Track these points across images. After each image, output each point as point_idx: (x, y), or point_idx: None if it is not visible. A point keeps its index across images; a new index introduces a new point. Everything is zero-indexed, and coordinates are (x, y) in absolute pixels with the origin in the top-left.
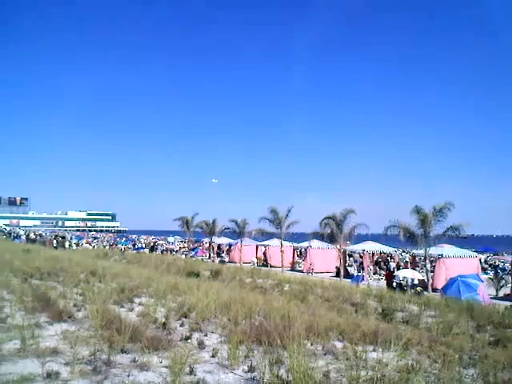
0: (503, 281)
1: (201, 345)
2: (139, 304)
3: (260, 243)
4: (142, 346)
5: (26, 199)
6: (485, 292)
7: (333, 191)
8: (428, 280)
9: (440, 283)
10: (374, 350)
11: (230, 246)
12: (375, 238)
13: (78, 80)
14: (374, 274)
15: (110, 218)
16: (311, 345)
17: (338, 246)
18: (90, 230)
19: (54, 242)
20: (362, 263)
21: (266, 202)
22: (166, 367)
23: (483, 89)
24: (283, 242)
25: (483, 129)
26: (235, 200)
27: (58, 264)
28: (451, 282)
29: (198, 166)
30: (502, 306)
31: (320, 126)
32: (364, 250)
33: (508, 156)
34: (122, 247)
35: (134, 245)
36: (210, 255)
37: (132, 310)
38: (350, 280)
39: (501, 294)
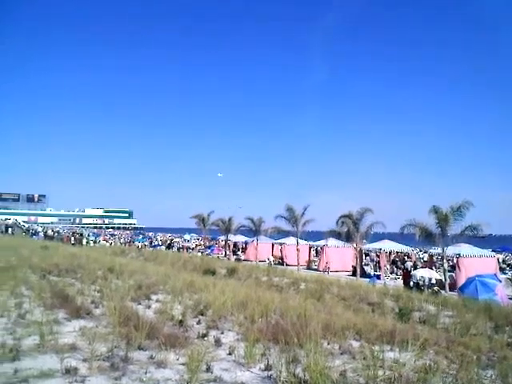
0: None
1: (217, 342)
2: (156, 301)
3: (276, 241)
4: (159, 343)
5: (44, 196)
6: (503, 292)
7: (348, 189)
8: (445, 280)
9: (458, 283)
10: (391, 350)
11: (246, 243)
12: (391, 237)
13: (91, 76)
14: (390, 273)
15: (127, 215)
16: (328, 344)
17: (355, 245)
18: (107, 227)
19: (72, 239)
20: (378, 262)
21: (282, 200)
22: (183, 364)
23: None
24: (299, 241)
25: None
26: (251, 197)
27: (76, 261)
28: (469, 281)
29: (214, 163)
30: None
31: (334, 123)
32: (381, 249)
33: None
34: (139, 244)
35: (150, 242)
36: (225, 253)
37: (149, 307)
38: (366, 279)
39: None
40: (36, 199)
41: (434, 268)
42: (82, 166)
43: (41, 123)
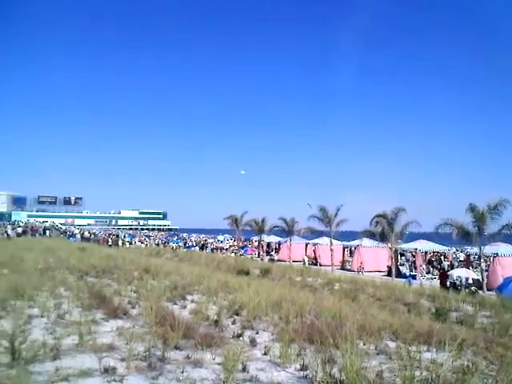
0: None
1: (253, 342)
2: (191, 301)
3: (309, 241)
4: (195, 343)
5: (81, 199)
6: None
7: (381, 189)
8: (483, 279)
9: (495, 282)
10: (428, 351)
11: (280, 244)
12: (427, 237)
13: (125, 76)
14: (426, 273)
15: (161, 216)
16: (364, 344)
17: (390, 245)
18: (143, 229)
19: (109, 240)
20: (414, 262)
21: (315, 200)
22: (219, 364)
23: None
24: (333, 241)
25: None
26: (283, 196)
27: (112, 262)
28: (507, 281)
29: (247, 163)
30: None
31: (366, 123)
32: (416, 249)
33: None
34: (174, 245)
35: (185, 243)
36: (259, 253)
37: (185, 307)
38: (402, 279)
39: None
40: (73, 202)
41: (471, 268)
42: (118, 169)
43: (77, 127)
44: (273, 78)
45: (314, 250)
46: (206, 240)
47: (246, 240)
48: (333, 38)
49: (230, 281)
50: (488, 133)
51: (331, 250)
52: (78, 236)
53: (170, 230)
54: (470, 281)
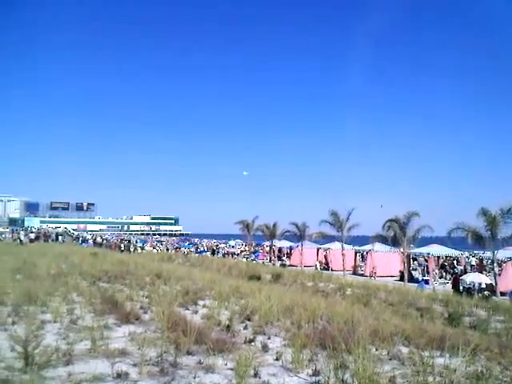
0: None
1: (265, 348)
2: (203, 306)
3: (321, 246)
4: (207, 348)
5: (93, 204)
6: None
7: (394, 193)
8: (496, 284)
9: (509, 287)
10: (441, 356)
11: (291, 249)
12: (439, 241)
13: (135, 82)
14: (439, 277)
15: (173, 222)
16: (376, 350)
17: (402, 250)
18: (154, 234)
19: (122, 246)
20: (426, 267)
21: (325, 203)
22: (231, 369)
23: None
24: (344, 245)
25: None
26: (295, 200)
27: (125, 267)
28: None
29: (258, 167)
30: None
31: (378, 126)
32: (429, 254)
33: None
34: (185, 251)
35: (196, 248)
36: (270, 258)
37: (196, 312)
38: (414, 284)
39: None
40: (85, 207)
41: (484, 272)
42: (130, 175)
43: (89, 133)
44: (283, 82)
45: (325, 255)
46: (217, 245)
47: (257, 245)
48: (344, 42)
49: (242, 286)
50: (503, 136)
51: (343, 254)
52: (91, 241)
53: (182, 235)
54: (483, 285)
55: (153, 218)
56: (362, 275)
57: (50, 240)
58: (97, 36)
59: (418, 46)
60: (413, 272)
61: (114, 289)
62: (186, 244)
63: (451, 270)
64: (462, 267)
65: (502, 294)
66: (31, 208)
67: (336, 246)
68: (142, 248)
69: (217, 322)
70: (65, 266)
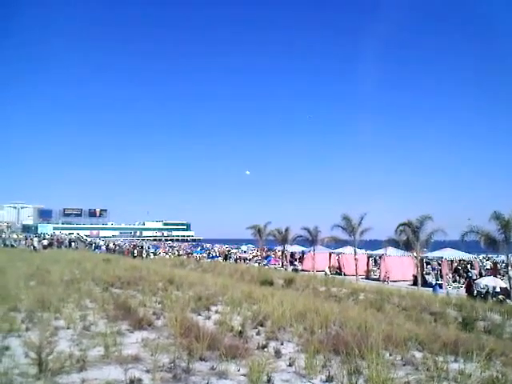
0: None
1: (277, 353)
2: (216, 312)
3: (333, 251)
4: (219, 354)
5: (106, 210)
6: None
7: (406, 196)
8: (511, 288)
9: None
10: (456, 361)
11: (303, 253)
12: (452, 245)
13: (145, 88)
14: (453, 282)
15: (185, 227)
16: (390, 355)
17: (415, 254)
18: (167, 240)
19: (135, 251)
20: (440, 271)
21: (337, 208)
22: (244, 375)
23: None
24: (357, 250)
25: None
26: (307, 205)
27: (137, 273)
28: None
29: (270, 172)
30: None
31: (388, 130)
32: (442, 258)
33: None
34: (197, 256)
35: (208, 254)
36: (282, 263)
37: (209, 318)
38: (428, 289)
39: None
40: (98, 214)
41: (498, 276)
42: (142, 181)
43: (101, 139)
44: (293, 85)
45: (337, 260)
46: (229, 250)
47: (269, 250)
48: (353, 46)
49: (254, 291)
50: None
51: (355, 259)
52: (103, 247)
53: (194, 240)
54: (498, 289)
55: (165, 224)
56: (375, 280)
57: (63, 246)
58: (103, 41)
59: (429, 51)
60: (426, 276)
61: (126, 295)
62: (198, 249)
63: (465, 274)
64: (476, 271)
65: None
66: (44, 215)
67: (348, 250)
68: (155, 254)
69: (229, 327)
70: (78, 272)
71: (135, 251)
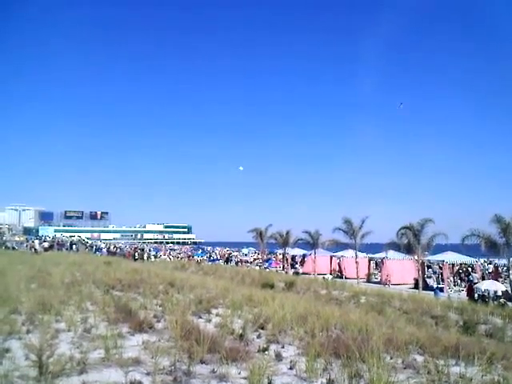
0: None
1: (278, 357)
2: (216, 315)
3: (334, 254)
4: (220, 357)
5: (107, 213)
6: None
7: (406, 200)
8: None
9: None
10: (457, 365)
11: (304, 257)
12: (454, 248)
13: (147, 90)
14: (454, 285)
15: (186, 230)
16: (390, 358)
17: (416, 257)
18: (168, 243)
19: (136, 254)
20: (441, 274)
21: (338, 211)
22: (245, 378)
23: None
24: (358, 253)
25: None
26: (308, 208)
27: (138, 276)
28: None
29: (270, 175)
30: None
31: (390, 134)
32: (443, 261)
33: None
34: (198, 259)
35: (209, 256)
36: (283, 266)
37: (210, 320)
38: (429, 292)
39: None
40: (99, 216)
41: (499, 279)
42: (143, 183)
43: (102, 142)
44: (294, 89)
45: (338, 263)
46: (230, 253)
47: (270, 253)
48: (356, 49)
49: (255, 294)
50: None
51: (356, 262)
52: (104, 250)
53: (195, 243)
54: (499, 293)
55: (166, 227)
56: (376, 283)
57: (64, 249)
58: (104, 45)
59: (432, 54)
60: (427, 280)
61: (127, 297)
62: (199, 252)
63: (466, 278)
64: (477, 274)
65: None
66: (45, 217)
67: (349, 253)
68: (156, 256)
69: (230, 330)
70: (79, 274)
71: (136, 254)
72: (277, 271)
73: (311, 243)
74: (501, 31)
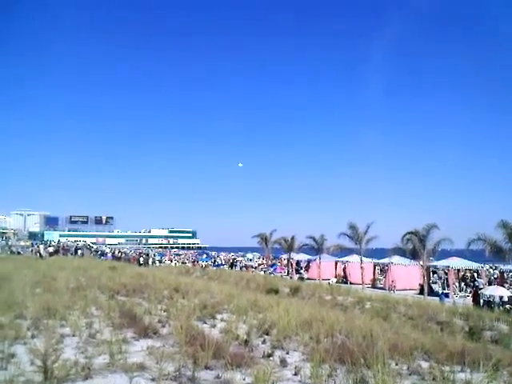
0: None
1: (283, 362)
2: (221, 320)
3: (339, 259)
4: (225, 363)
5: (112, 218)
6: None
7: (411, 205)
8: None
9: None
10: (462, 371)
11: (309, 262)
12: (458, 254)
13: (152, 96)
14: (459, 291)
15: (190, 235)
16: (396, 364)
17: (421, 262)
18: (172, 247)
19: (140, 259)
20: (446, 280)
21: (342, 216)
22: None
23: None
24: (363, 258)
25: None
26: (312, 213)
27: (143, 281)
28: None
29: (275, 180)
30: None
31: (395, 138)
32: (449, 266)
33: None
34: (203, 264)
35: (214, 261)
36: (288, 272)
37: (214, 326)
38: (434, 298)
39: None
40: (104, 221)
41: (505, 285)
42: (148, 188)
43: (107, 147)
44: (298, 92)
45: (343, 268)
46: (234, 258)
47: (274, 258)
48: (360, 53)
49: (260, 299)
50: None
51: (361, 267)
52: (109, 255)
53: (200, 248)
54: (505, 299)
55: (171, 232)
56: (381, 288)
57: (68, 254)
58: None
59: (434, 56)
60: (433, 285)
61: (132, 302)
62: (204, 257)
63: (471, 283)
64: (482, 280)
65: None
66: (50, 222)
67: (354, 258)
68: (160, 261)
69: (235, 336)
70: (83, 279)
71: (141, 259)
72: (281, 276)
73: (316, 248)
74: (507, 36)
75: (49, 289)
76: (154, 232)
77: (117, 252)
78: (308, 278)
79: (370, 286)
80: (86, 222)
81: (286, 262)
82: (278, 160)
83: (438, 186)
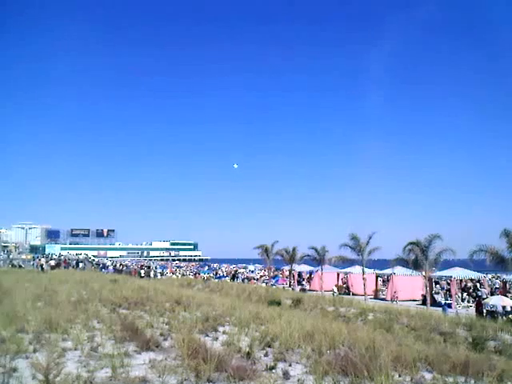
0: None
1: (286, 375)
2: (223, 333)
3: (341, 270)
4: (227, 376)
5: (113, 231)
6: None
7: (413, 216)
8: None
9: None
10: (466, 382)
11: (311, 273)
12: (461, 264)
13: (153, 105)
14: (462, 301)
15: (192, 247)
16: (399, 376)
17: (424, 273)
18: (174, 260)
19: (142, 272)
20: (449, 290)
21: (344, 227)
22: None
23: None
24: (365, 269)
25: None
26: (314, 224)
27: (144, 294)
28: None
29: (276, 191)
30: None
31: (396, 148)
32: (451, 277)
33: None
34: (205, 276)
35: (215, 273)
36: (290, 283)
37: (216, 339)
38: (437, 308)
39: None
40: (105, 234)
41: (508, 295)
42: (149, 201)
43: (109, 160)
44: (302, 103)
45: (345, 279)
46: (236, 270)
47: (276, 269)
48: (362, 63)
49: (262, 311)
50: None
51: (364, 278)
52: (111, 268)
53: (201, 260)
54: (508, 308)
55: (172, 244)
56: (384, 299)
57: (70, 267)
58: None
59: (438, 67)
60: (435, 296)
61: (134, 315)
62: (206, 269)
63: (474, 293)
64: (485, 290)
65: None
66: (52, 235)
67: (356, 269)
68: (162, 274)
69: (237, 348)
70: (85, 292)
71: (142, 271)
72: (283, 288)
73: (318, 259)
74: (506, 44)
75: (50, 302)
76: (155, 244)
77: (118, 265)
78: (310, 290)
79: (372, 296)
80: (88, 235)
81: (287, 273)
82: (279, 172)
83: (440, 196)
